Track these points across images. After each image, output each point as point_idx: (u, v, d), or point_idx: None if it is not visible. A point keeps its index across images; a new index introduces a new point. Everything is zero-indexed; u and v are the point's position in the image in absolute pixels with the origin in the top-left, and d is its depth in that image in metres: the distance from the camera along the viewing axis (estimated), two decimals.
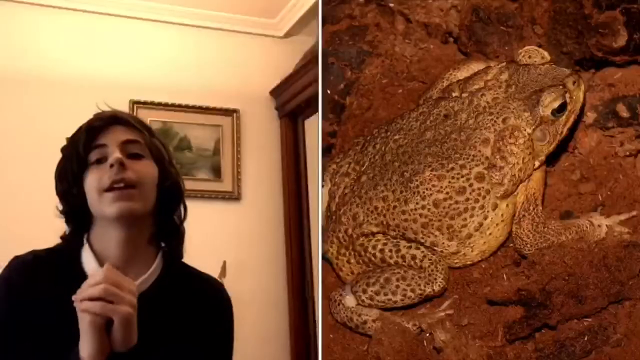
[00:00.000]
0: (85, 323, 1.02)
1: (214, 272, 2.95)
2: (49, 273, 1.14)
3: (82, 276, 1.11)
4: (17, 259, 1.16)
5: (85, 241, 1.18)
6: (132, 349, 1.04)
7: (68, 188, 1.16)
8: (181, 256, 1.26)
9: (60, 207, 1.20)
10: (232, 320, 1.28)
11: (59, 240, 1.22)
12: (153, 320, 1.11)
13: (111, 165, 1.11)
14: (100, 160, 1.14)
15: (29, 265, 1.15)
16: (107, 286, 1.02)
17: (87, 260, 1.16)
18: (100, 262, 1.14)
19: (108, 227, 1.15)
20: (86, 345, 1.02)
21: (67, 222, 1.21)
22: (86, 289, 1.03)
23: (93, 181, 1.13)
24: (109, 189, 1.11)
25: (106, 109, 1.23)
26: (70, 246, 1.19)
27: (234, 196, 3.29)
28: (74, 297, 1.03)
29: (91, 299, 1.01)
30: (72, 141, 1.17)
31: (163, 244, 1.23)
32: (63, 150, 1.20)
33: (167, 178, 1.20)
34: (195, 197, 3.19)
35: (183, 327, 1.16)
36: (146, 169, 1.16)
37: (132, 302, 1.04)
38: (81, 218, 1.18)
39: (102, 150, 1.15)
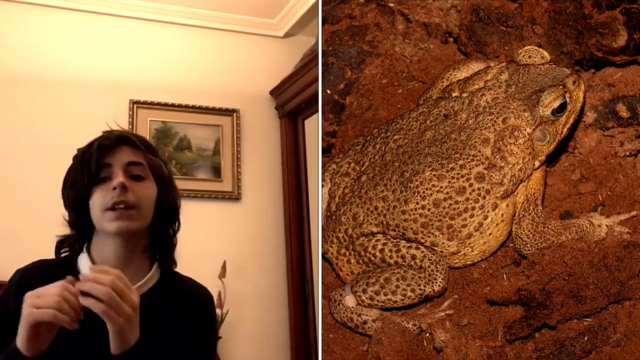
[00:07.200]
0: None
1: (214, 272, 2.98)
2: (47, 273, 1.20)
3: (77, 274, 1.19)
4: (18, 271, 1.26)
5: (84, 249, 1.28)
6: (125, 352, 1.08)
7: (78, 198, 1.25)
8: (173, 264, 1.36)
9: (67, 218, 1.29)
10: (216, 322, 1.40)
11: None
12: (148, 323, 1.14)
13: (114, 188, 1.22)
14: (105, 179, 1.24)
15: (28, 270, 1.26)
16: (111, 293, 1.04)
17: (83, 263, 1.26)
18: None
19: (107, 239, 1.25)
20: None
21: (72, 230, 1.30)
22: (89, 283, 1.05)
23: (98, 198, 1.23)
24: (111, 208, 1.22)
25: (115, 127, 1.33)
26: (70, 252, 1.30)
27: (234, 196, 3.29)
28: (78, 286, 1.04)
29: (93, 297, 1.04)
30: (84, 156, 1.26)
31: (157, 255, 1.33)
32: (75, 159, 1.28)
33: (166, 198, 1.31)
34: (195, 197, 3.19)
35: (174, 328, 1.24)
36: (146, 191, 1.26)
37: (128, 316, 1.06)
38: (84, 228, 1.27)
39: (108, 170, 1.25)
